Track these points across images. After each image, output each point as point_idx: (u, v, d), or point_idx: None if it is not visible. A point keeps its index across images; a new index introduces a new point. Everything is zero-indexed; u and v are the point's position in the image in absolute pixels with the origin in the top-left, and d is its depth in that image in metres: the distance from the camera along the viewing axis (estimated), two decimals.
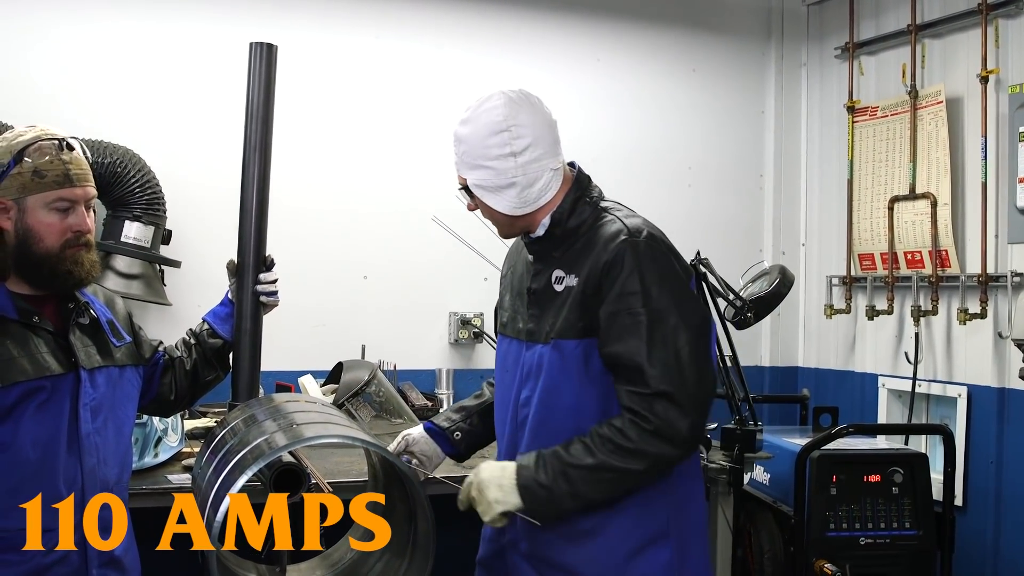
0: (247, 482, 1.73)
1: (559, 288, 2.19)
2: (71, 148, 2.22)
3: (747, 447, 3.32)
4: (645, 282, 2.08)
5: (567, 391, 2.17)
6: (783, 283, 3.59)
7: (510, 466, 2.11)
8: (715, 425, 3.65)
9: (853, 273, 4.60)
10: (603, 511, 2.13)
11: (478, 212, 2.27)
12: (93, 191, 2.26)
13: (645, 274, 2.09)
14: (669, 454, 2.07)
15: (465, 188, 2.22)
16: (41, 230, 2.19)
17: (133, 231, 3.52)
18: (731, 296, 3.49)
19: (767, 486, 3.63)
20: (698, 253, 3.46)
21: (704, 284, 3.43)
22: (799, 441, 3.49)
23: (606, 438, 2.07)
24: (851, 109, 4.64)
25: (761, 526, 3.42)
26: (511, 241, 2.43)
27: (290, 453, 1.99)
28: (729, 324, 3.53)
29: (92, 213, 2.29)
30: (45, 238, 2.19)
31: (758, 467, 3.65)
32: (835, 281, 4.71)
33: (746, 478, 3.46)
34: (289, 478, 1.94)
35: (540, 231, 2.23)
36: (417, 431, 2.46)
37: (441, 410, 3.27)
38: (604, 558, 2.15)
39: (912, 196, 4.26)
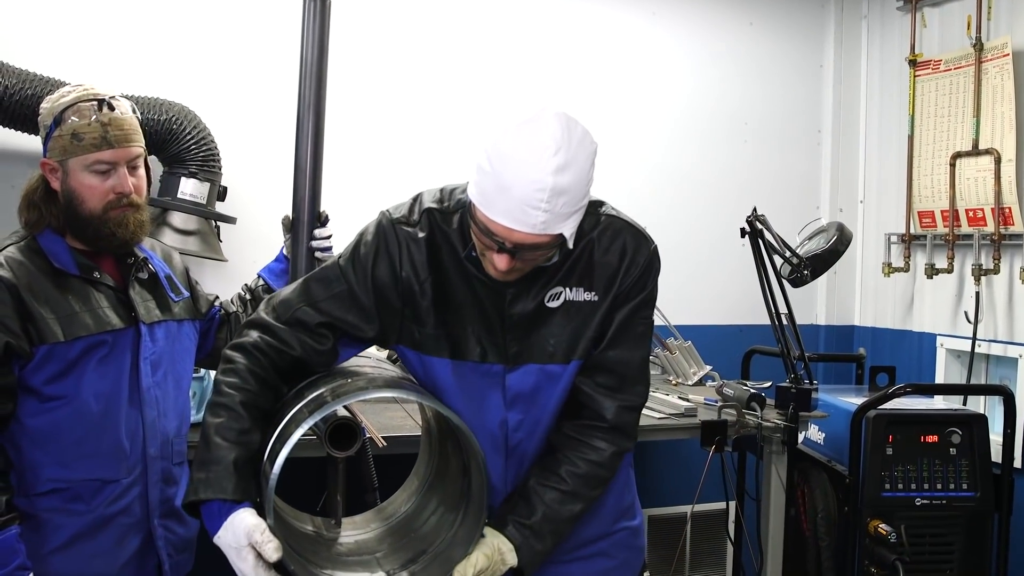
0: (303, 436, 1.76)
1: (555, 304, 1.99)
2: (112, 108, 2.22)
3: (802, 406, 3.30)
4: (654, 296, 2.08)
5: (558, 409, 2.07)
6: (840, 240, 3.55)
7: (510, 556, 1.96)
8: (769, 384, 3.63)
9: (912, 231, 4.52)
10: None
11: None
12: (136, 150, 2.26)
13: (655, 288, 2.08)
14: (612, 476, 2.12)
15: (521, 246, 1.81)
16: (83, 192, 2.21)
17: (189, 188, 3.54)
18: (787, 253, 3.45)
19: (821, 445, 3.61)
20: (754, 210, 3.42)
21: (760, 241, 3.40)
22: (855, 400, 3.45)
23: (587, 476, 2.03)
24: (913, 63, 4.54)
25: (815, 485, 3.40)
26: None
27: (345, 408, 2.02)
28: (785, 282, 3.49)
29: (142, 171, 2.30)
30: (87, 200, 2.21)
31: (812, 426, 3.63)
32: (894, 239, 4.64)
33: (800, 437, 3.43)
34: (344, 432, 1.97)
35: (551, 261, 1.96)
36: None
37: None
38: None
39: (975, 152, 4.17)
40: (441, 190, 2.04)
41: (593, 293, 2.00)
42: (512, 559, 1.95)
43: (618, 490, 2.21)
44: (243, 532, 1.73)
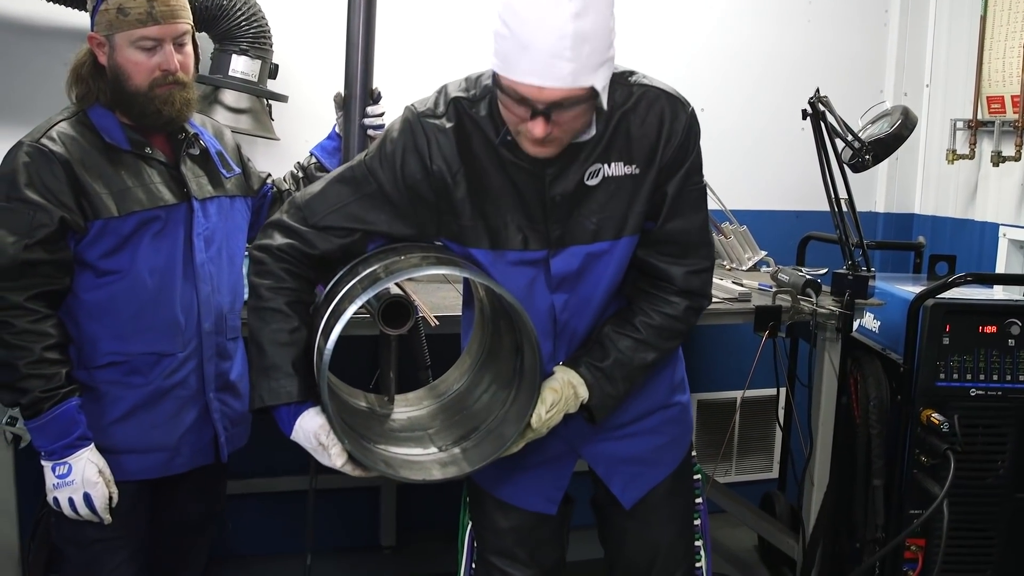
0: (356, 312, 1.75)
1: (594, 182, 1.93)
2: None
3: (858, 293, 3.25)
4: (700, 160, 2.03)
5: (613, 284, 2.05)
6: (905, 125, 3.43)
7: (583, 393, 2.01)
8: (825, 270, 3.57)
9: (980, 116, 4.36)
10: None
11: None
12: (183, 27, 2.22)
13: (700, 152, 2.03)
14: (687, 334, 2.14)
15: (555, 105, 1.72)
16: (129, 68, 2.19)
17: (240, 65, 3.50)
18: (849, 137, 3.35)
19: (876, 334, 3.56)
20: (817, 91, 3.31)
21: (822, 124, 3.30)
22: (912, 289, 3.38)
23: (660, 328, 2.05)
24: None
25: (868, 374, 3.36)
26: None
27: (398, 287, 2.01)
28: (846, 167, 3.40)
29: (189, 49, 2.27)
30: (133, 76, 2.19)
31: (868, 314, 3.57)
32: (959, 124, 4.47)
33: (855, 325, 3.39)
34: (397, 310, 1.96)
35: (589, 133, 1.87)
36: None
37: None
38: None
39: None
40: (466, 79, 1.97)
41: (634, 166, 1.94)
42: (583, 392, 1.99)
43: (672, 363, 2.23)
44: (312, 434, 1.86)
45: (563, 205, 1.94)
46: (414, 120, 1.93)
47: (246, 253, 2.35)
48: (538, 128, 1.74)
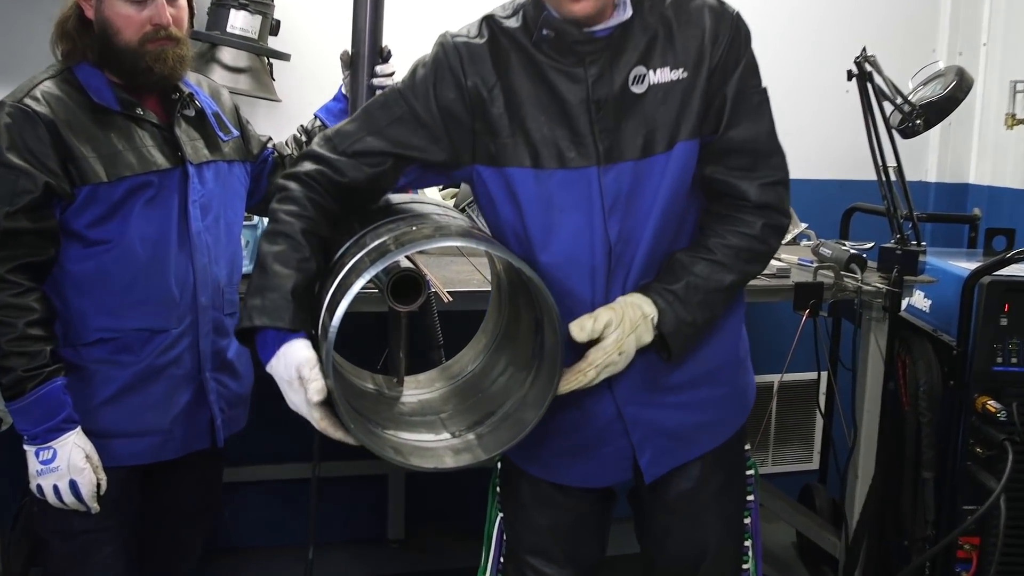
0: (363, 287, 1.74)
1: (640, 89, 1.94)
2: None
3: (908, 269, 3.23)
4: (755, 61, 2.03)
5: (672, 205, 2.01)
6: (959, 87, 3.40)
7: (650, 311, 1.95)
8: (871, 245, 3.55)
9: None
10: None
11: None
12: None
13: (753, 53, 2.03)
14: (772, 256, 2.11)
15: None
16: (118, 22, 2.19)
17: (239, 21, 3.49)
18: (899, 100, 3.32)
19: (927, 313, 3.54)
20: (863, 51, 3.28)
21: (869, 86, 3.27)
22: (967, 265, 3.36)
23: (738, 248, 2.01)
24: None
25: (917, 357, 3.35)
26: None
27: (409, 260, 2.00)
28: (895, 132, 3.37)
29: (182, 2, 2.27)
30: (122, 31, 2.19)
31: (918, 292, 3.55)
32: (1020, 87, 4.43)
33: (903, 303, 3.37)
34: (407, 285, 1.96)
35: (622, 12, 1.91)
36: None
37: None
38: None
39: None
40: (502, 5, 2.04)
41: (681, 70, 1.96)
42: (651, 310, 1.94)
43: (737, 331, 2.21)
44: (294, 365, 1.77)
45: (609, 113, 1.94)
46: (447, 42, 2.00)
47: (245, 224, 2.36)
48: None
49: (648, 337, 1.95)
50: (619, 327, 1.91)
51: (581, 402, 2.05)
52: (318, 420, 1.78)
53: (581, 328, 1.90)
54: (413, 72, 2.01)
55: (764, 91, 2.04)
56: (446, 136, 1.98)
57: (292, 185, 1.94)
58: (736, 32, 1.98)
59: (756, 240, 2.02)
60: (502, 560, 2.32)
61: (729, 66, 1.97)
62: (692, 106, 1.96)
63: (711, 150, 2.00)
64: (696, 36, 1.96)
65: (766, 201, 2.01)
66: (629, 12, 1.91)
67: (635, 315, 1.93)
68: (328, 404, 1.77)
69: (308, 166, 1.96)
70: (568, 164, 1.95)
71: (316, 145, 2.00)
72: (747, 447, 2.31)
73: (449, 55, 1.98)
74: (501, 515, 2.31)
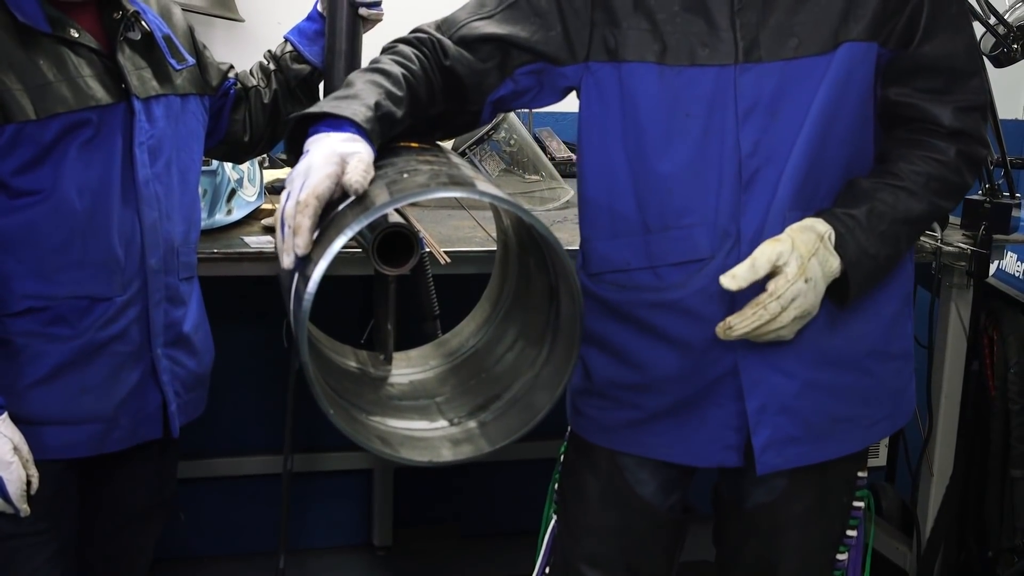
0: (345, 247, 1.74)
1: None
2: None
3: (998, 226, 3.23)
4: None
5: (829, 120, 1.97)
6: None
7: (824, 229, 1.92)
8: None
9: None
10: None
11: None
12: None
13: None
14: (964, 194, 2.13)
15: None
16: None
17: None
18: (992, 20, 3.31)
19: (1020, 280, 3.54)
20: None
21: None
22: None
23: (930, 175, 2.00)
24: None
25: (1008, 332, 3.36)
26: None
27: (398, 212, 2.00)
28: (986, 60, 3.36)
29: None
30: None
31: (1010, 254, 3.55)
32: None
33: (992, 268, 3.37)
34: (397, 243, 1.96)
35: None
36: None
37: None
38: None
39: None
40: None
41: None
42: (825, 228, 1.91)
43: (907, 300, 2.19)
44: (338, 153, 1.68)
45: (755, 1, 1.95)
46: None
47: (204, 170, 2.36)
48: None
49: (835, 262, 1.91)
50: (795, 253, 1.87)
51: (692, 342, 2.04)
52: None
53: (733, 277, 1.88)
54: None
55: (965, 2, 2.05)
56: (560, 24, 2.04)
57: (399, 44, 2.02)
58: None
59: (949, 169, 2.02)
60: (548, 570, 2.33)
61: None
62: (867, 1, 1.95)
63: (899, 67, 2.01)
64: None
65: (962, 127, 2.01)
66: None
67: (809, 239, 1.89)
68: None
69: (419, 35, 2.05)
70: (698, 61, 1.98)
71: (425, 26, 2.08)
72: (862, 473, 2.27)
73: None
74: (555, 519, 2.32)
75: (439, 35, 2.02)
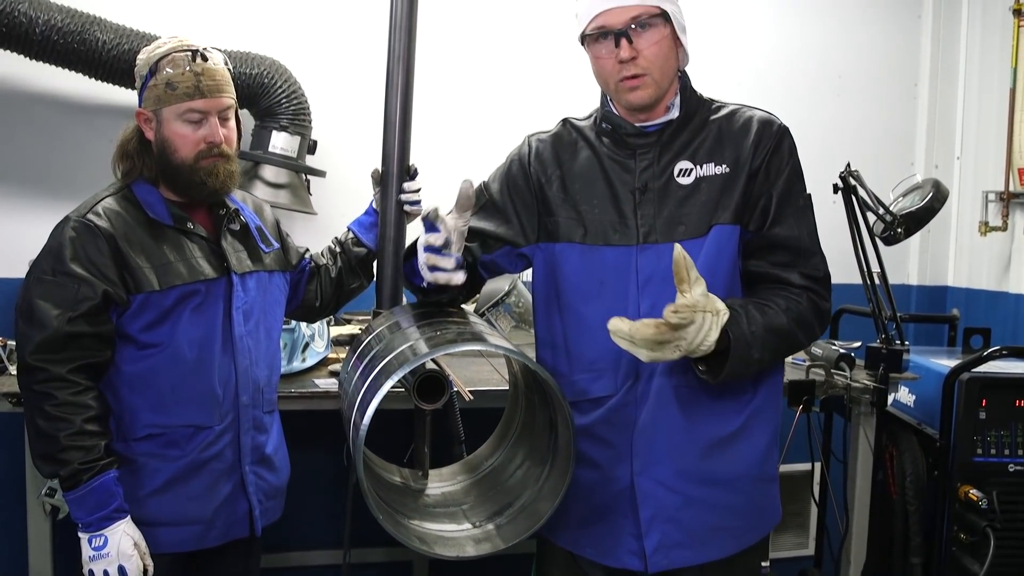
0: (392, 388, 1.76)
1: (686, 181, 2.01)
2: (205, 59, 2.24)
3: (893, 367, 3.22)
4: (800, 169, 2.08)
5: (718, 282, 1.97)
6: (936, 198, 3.43)
7: (722, 307, 1.84)
8: (859, 344, 3.54)
9: (1012, 188, 4.35)
10: (747, 414, 2.07)
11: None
12: (228, 101, 2.28)
13: (798, 161, 2.08)
14: (816, 337, 2.09)
15: (635, 25, 1.95)
16: (176, 141, 2.24)
17: (280, 141, 3.57)
18: (881, 211, 3.35)
19: (911, 408, 3.52)
20: (848, 165, 3.32)
21: (853, 198, 3.30)
22: (947, 363, 3.36)
23: (788, 308, 1.98)
24: (1018, 12, 4.32)
25: (904, 449, 3.32)
26: None
27: (433, 361, 2.02)
28: (878, 240, 3.39)
29: (233, 123, 2.32)
30: (180, 148, 2.24)
31: (903, 388, 3.54)
32: (991, 197, 4.46)
33: (890, 399, 3.36)
34: (432, 385, 1.96)
35: (672, 112, 2.04)
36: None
37: None
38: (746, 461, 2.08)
39: None
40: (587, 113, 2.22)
41: (724, 166, 2.03)
42: (722, 306, 1.84)
43: (773, 419, 2.14)
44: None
45: (652, 198, 2.03)
46: (525, 139, 2.23)
47: (284, 327, 2.37)
48: (624, 50, 1.96)
49: (715, 334, 1.82)
50: (686, 310, 1.80)
51: (600, 461, 2.04)
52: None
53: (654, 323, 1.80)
54: (499, 167, 2.24)
55: (808, 197, 2.08)
56: (516, 217, 2.16)
57: None
58: (781, 140, 2.05)
59: (802, 308, 2.01)
60: None
61: (773, 168, 2.03)
62: (732, 195, 2.01)
63: (755, 245, 2.03)
64: (742, 139, 2.03)
65: (808, 285, 2.03)
66: (676, 113, 2.04)
67: (712, 304, 1.83)
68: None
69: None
70: (611, 242, 2.05)
71: None
72: (765, 563, 2.22)
73: (521, 149, 2.21)
74: None
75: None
